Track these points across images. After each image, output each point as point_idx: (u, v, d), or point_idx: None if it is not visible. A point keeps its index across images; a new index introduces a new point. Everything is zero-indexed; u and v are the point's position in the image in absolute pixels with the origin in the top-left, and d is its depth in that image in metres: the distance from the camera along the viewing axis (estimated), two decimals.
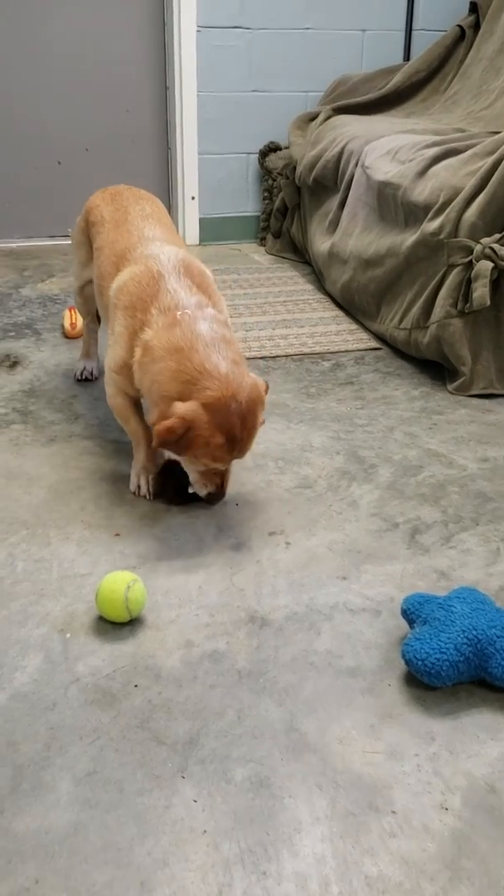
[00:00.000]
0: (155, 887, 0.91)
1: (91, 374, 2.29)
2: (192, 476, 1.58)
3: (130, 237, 1.78)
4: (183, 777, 1.05)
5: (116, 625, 1.32)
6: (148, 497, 1.70)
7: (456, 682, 1.21)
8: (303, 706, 1.18)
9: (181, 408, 1.46)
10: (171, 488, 1.69)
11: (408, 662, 1.21)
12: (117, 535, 1.57)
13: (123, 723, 1.13)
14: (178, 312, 1.55)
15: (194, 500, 1.67)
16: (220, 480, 1.59)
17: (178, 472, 1.62)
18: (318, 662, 1.26)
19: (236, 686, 1.21)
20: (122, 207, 1.93)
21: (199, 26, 3.60)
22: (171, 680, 1.21)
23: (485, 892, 0.92)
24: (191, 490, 1.62)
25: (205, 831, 0.98)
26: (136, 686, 1.19)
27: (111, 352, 1.65)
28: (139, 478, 1.72)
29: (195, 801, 1.02)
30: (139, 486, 1.71)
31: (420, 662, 1.19)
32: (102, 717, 1.14)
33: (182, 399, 1.47)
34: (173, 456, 1.58)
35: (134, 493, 1.71)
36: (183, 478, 1.61)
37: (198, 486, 1.59)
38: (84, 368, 2.29)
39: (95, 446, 1.92)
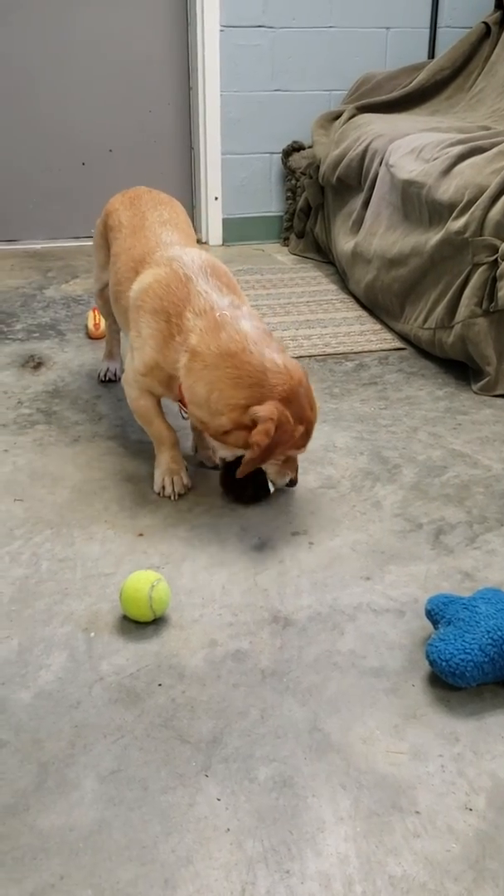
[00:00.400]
0: (179, 885, 0.92)
1: (115, 374, 2.30)
2: (271, 469, 1.62)
3: (148, 243, 1.78)
4: (206, 776, 1.05)
5: (140, 624, 1.32)
6: (173, 498, 1.70)
7: (480, 682, 1.21)
8: (326, 706, 1.18)
9: (264, 411, 1.48)
10: (239, 488, 1.67)
11: (432, 663, 1.20)
12: (141, 535, 1.58)
13: (147, 721, 1.14)
14: (217, 314, 1.56)
15: (261, 498, 1.69)
16: (295, 465, 1.66)
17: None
18: (342, 663, 1.26)
19: (259, 686, 1.21)
20: (139, 213, 1.92)
21: (222, 26, 3.60)
22: (195, 679, 1.22)
23: None
24: (271, 484, 1.67)
25: (228, 829, 0.98)
26: (159, 685, 1.20)
27: (137, 354, 1.65)
28: (164, 479, 1.72)
29: (219, 800, 1.02)
30: (164, 487, 1.72)
31: (444, 663, 1.18)
32: (126, 715, 1.14)
33: (253, 403, 1.49)
34: (225, 453, 1.61)
35: (158, 495, 1.72)
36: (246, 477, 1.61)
37: (277, 478, 1.65)
38: (108, 369, 2.30)
39: (118, 446, 1.93)
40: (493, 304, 2.21)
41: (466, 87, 3.73)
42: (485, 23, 3.76)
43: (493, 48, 3.71)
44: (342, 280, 3.25)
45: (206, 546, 1.55)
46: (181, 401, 1.64)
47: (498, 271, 2.18)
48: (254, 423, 1.49)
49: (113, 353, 2.32)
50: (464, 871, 0.95)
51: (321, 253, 3.67)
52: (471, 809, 1.02)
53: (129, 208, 1.95)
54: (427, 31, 3.93)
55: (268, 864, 0.95)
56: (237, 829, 0.98)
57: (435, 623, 1.28)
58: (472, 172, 2.35)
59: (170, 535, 1.58)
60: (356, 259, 2.98)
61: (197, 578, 1.45)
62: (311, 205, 3.62)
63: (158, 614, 1.32)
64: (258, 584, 1.44)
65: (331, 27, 3.77)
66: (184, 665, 1.24)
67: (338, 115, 3.68)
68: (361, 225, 3.03)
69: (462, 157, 2.45)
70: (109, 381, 2.30)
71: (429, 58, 3.91)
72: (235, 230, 3.94)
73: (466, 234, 2.28)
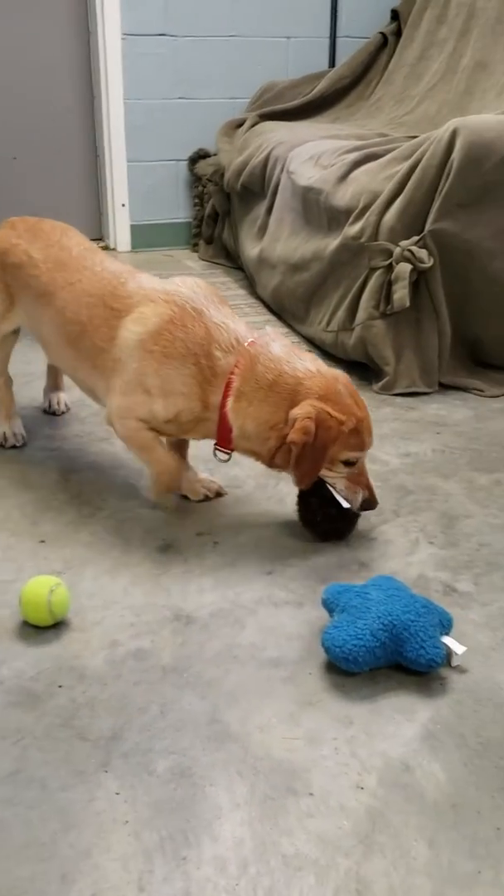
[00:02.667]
0: (77, 879, 0.93)
1: (21, 438, 1.97)
2: (341, 487, 1.56)
3: (100, 274, 1.65)
4: (106, 771, 1.07)
5: (41, 629, 1.33)
6: (210, 496, 1.74)
7: (373, 667, 1.26)
8: (225, 698, 1.21)
9: (299, 410, 1.47)
10: (318, 517, 1.60)
11: (326, 650, 1.25)
12: (42, 541, 1.58)
13: (47, 722, 1.15)
14: (245, 345, 1.53)
15: (343, 532, 1.62)
16: (366, 481, 1.59)
17: (315, 503, 1.59)
18: (242, 655, 1.30)
19: (160, 682, 1.23)
20: (53, 243, 1.77)
21: (123, 34, 3.62)
22: (96, 679, 1.23)
23: (396, 863, 0.97)
24: (344, 504, 1.57)
25: (127, 822, 1.01)
26: (60, 686, 1.21)
27: (160, 402, 1.54)
28: (159, 490, 1.67)
29: (117, 794, 1.04)
30: (209, 488, 1.74)
31: (338, 649, 1.23)
32: (25, 717, 1.15)
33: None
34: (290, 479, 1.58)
35: (206, 499, 1.73)
36: (320, 508, 1.58)
37: (350, 496, 1.57)
38: (12, 434, 1.96)
39: (19, 454, 1.93)
40: (389, 307, 2.28)
41: (366, 95, 3.83)
42: (382, 33, 3.88)
43: (391, 58, 3.83)
44: (251, 285, 3.30)
45: (109, 550, 1.57)
46: (217, 441, 1.58)
47: (393, 275, 2.26)
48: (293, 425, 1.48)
49: (10, 412, 1.98)
50: (354, 846, 0.99)
51: (230, 258, 3.71)
52: (362, 788, 1.07)
53: (35, 240, 1.79)
54: (327, 41, 4.03)
55: (165, 853, 0.97)
56: (135, 821, 1.01)
57: (330, 612, 1.33)
58: (366, 179, 2.43)
59: (72, 540, 1.59)
60: (262, 264, 3.03)
61: (99, 582, 1.47)
62: (218, 211, 3.67)
63: (59, 618, 1.33)
64: (161, 585, 1.47)
65: (233, 36, 3.83)
66: (84, 666, 1.26)
67: (241, 123, 3.74)
68: (266, 231, 3.09)
69: (357, 164, 2.53)
70: (14, 448, 1.96)
71: (329, 67, 4.01)
72: (144, 236, 3.96)
73: (363, 239, 2.35)
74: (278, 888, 0.93)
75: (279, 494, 1.78)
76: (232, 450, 1.58)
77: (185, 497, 1.75)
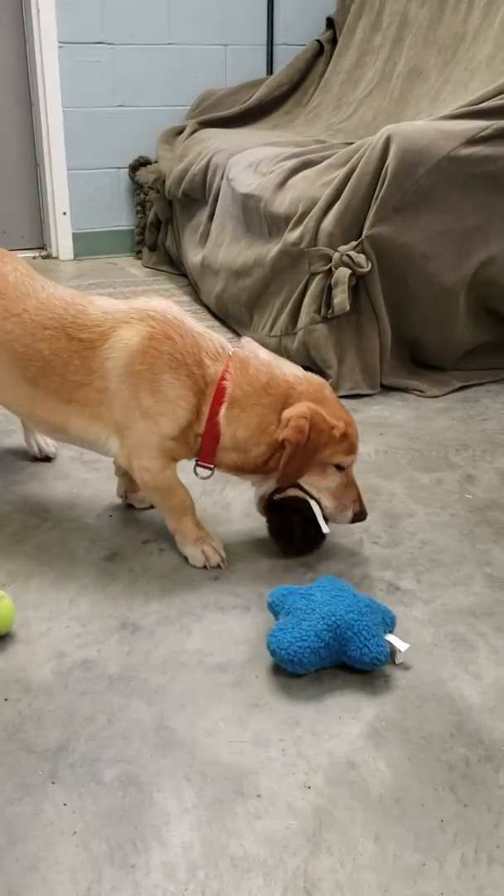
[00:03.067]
0: (23, 893, 0.93)
1: None
2: (329, 499, 1.54)
3: (52, 301, 1.55)
4: (53, 783, 1.07)
5: None
6: (223, 565, 1.55)
7: (319, 667, 1.27)
8: (173, 704, 1.21)
9: (293, 410, 1.46)
10: (286, 533, 1.56)
11: (272, 653, 1.26)
12: None
13: None
14: (230, 352, 1.52)
15: (316, 544, 1.59)
16: (356, 493, 1.56)
17: (294, 519, 1.55)
18: (189, 661, 1.30)
19: (107, 691, 1.23)
20: None
21: (60, 42, 3.61)
22: (42, 690, 1.23)
23: (343, 860, 0.98)
24: (324, 525, 1.54)
25: (75, 833, 1.00)
26: (5, 700, 1.21)
27: (163, 420, 1.47)
28: (201, 547, 1.57)
29: (65, 805, 1.04)
30: (207, 559, 1.56)
31: (283, 651, 1.24)
32: None
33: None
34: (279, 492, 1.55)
35: (205, 567, 1.55)
36: (300, 525, 1.55)
37: (338, 512, 1.55)
38: None
39: None
40: (330, 311, 2.31)
41: (304, 101, 3.88)
42: (318, 41, 3.93)
43: (327, 65, 3.88)
44: (194, 291, 3.31)
45: (55, 561, 1.56)
46: (200, 456, 1.53)
47: (333, 279, 2.29)
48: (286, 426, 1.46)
49: None
50: (302, 844, 1.00)
51: (174, 265, 3.72)
52: (309, 787, 1.08)
53: None
54: (264, 49, 4.06)
55: (113, 862, 0.97)
56: (83, 831, 1.01)
57: (276, 615, 1.34)
58: (304, 185, 2.46)
59: (16, 552, 1.58)
60: (205, 271, 3.05)
61: (45, 593, 1.46)
62: (161, 218, 3.67)
63: (3, 631, 1.32)
64: (107, 594, 1.47)
65: (170, 44, 3.84)
66: (30, 678, 1.25)
67: (181, 131, 3.75)
68: (208, 237, 3.10)
69: (295, 171, 2.56)
70: None
71: (267, 74, 4.04)
72: (86, 244, 3.94)
73: (302, 245, 2.38)
74: (227, 891, 0.94)
75: (224, 500, 1.80)
76: (214, 465, 1.54)
77: (131, 506, 1.75)
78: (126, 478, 1.71)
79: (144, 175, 3.79)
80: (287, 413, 1.46)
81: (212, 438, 1.50)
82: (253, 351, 1.54)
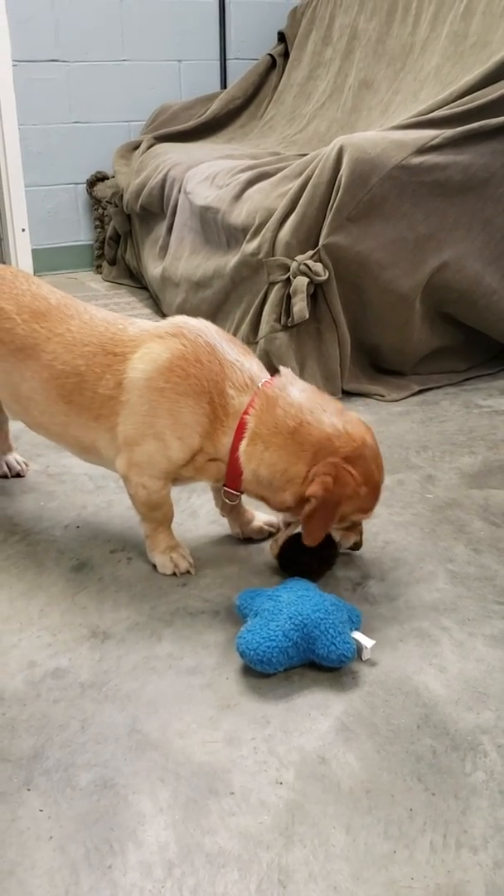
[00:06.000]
0: None
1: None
2: (335, 533, 1.53)
3: (94, 321, 1.55)
4: (28, 789, 1.08)
5: None
6: (192, 571, 1.57)
7: (288, 666, 1.30)
8: (145, 708, 1.23)
9: (324, 467, 1.39)
10: (296, 564, 1.54)
11: (241, 654, 1.29)
12: None
13: None
14: (260, 386, 1.46)
15: (322, 573, 1.56)
16: (360, 527, 1.56)
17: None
18: (159, 666, 1.32)
19: (79, 698, 1.25)
20: (24, 291, 1.62)
21: (14, 60, 3.62)
22: (15, 700, 1.24)
23: (316, 851, 1.01)
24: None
25: (51, 837, 1.02)
26: None
27: (176, 444, 1.45)
28: (170, 554, 1.58)
29: (41, 810, 1.05)
30: (177, 564, 1.57)
31: (252, 652, 1.27)
32: None
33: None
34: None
35: (174, 574, 1.57)
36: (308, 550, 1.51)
37: (343, 540, 1.56)
38: None
39: None
40: (290, 319, 2.35)
41: (258, 115, 3.93)
42: (270, 55, 3.99)
43: (280, 78, 3.94)
44: (156, 304, 3.34)
45: (23, 573, 1.57)
46: (226, 482, 1.50)
47: (291, 288, 2.33)
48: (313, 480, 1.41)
49: None
50: (275, 838, 1.03)
51: (134, 279, 3.74)
52: (281, 783, 1.11)
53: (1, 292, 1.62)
54: (218, 63, 4.11)
55: (90, 864, 0.99)
56: (60, 836, 1.02)
57: (244, 617, 1.37)
58: (260, 197, 2.50)
59: None
60: (166, 283, 3.07)
61: (14, 605, 1.47)
62: (119, 232, 3.69)
63: None
64: (77, 604, 1.48)
65: (124, 60, 3.87)
66: (3, 688, 1.26)
67: (137, 146, 3.78)
68: (167, 250, 3.13)
69: (251, 183, 2.60)
70: None
71: (221, 88, 4.09)
72: (46, 260, 3.95)
73: (260, 255, 2.42)
74: (203, 886, 0.96)
75: (192, 507, 1.82)
76: (241, 491, 1.52)
77: (250, 539, 1.71)
78: (232, 514, 1.70)
79: (102, 190, 3.82)
80: (314, 471, 1.40)
81: (234, 470, 1.46)
82: (284, 388, 1.46)
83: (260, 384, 1.47)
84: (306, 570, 1.52)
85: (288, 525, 1.58)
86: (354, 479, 1.41)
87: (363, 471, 1.43)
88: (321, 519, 1.41)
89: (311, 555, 1.51)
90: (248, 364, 1.49)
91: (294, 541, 1.54)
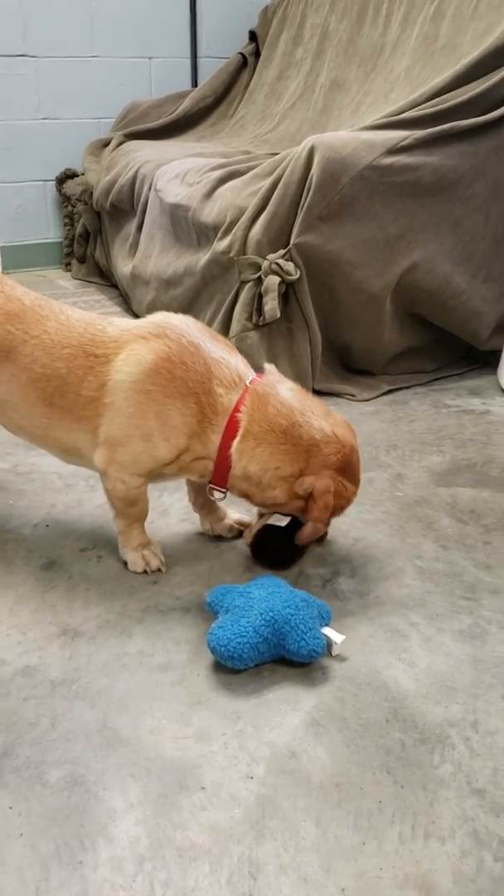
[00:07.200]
0: None
1: None
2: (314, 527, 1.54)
3: (72, 322, 1.53)
4: None
5: None
6: (163, 569, 1.58)
7: (258, 662, 1.31)
8: (115, 705, 1.23)
9: (321, 485, 1.43)
10: (268, 552, 1.59)
11: (212, 650, 1.29)
12: None
13: None
14: (248, 383, 1.47)
15: (294, 561, 1.60)
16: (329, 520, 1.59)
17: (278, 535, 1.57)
18: (130, 663, 1.32)
19: (49, 696, 1.24)
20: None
21: None
22: None
23: (286, 844, 1.01)
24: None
25: (21, 834, 1.01)
26: None
27: (162, 444, 1.45)
28: (142, 552, 1.58)
29: (11, 808, 1.05)
30: (148, 562, 1.57)
31: (223, 648, 1.27)
32: None
33: (306, 473, 1.45)
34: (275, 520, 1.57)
35: (145, 572, 1.57)
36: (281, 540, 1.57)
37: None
38: None
39: None
40: (261, 318, 2.36)
41: (229, 114, 3.93)
42: (241, 54, 3.99)
43: (251, 77, 3.94)
44: (126, 302, 3.33)
45: None
46: (213, 480, 1.51)
47: (262, 287, 2.33)
48: (308, 495, 1.45)
49: None
50: (246, 832, 1.03)
51: (104, 277, 3.72)
52: (251, 777, 1.11)
53: None
54: (188, 61, 4.11)
55: (61, 860, 0.99)
56: (30, 833, 1.02)
57: (215, 613, 1.37)
58: (231, 195, 2.50)
59: None
60: (136, 281, 3.07)
61: None
62: (89, 230, 3.68)
63: None
64: (47, 602, 1.48)
65: (94, 56, 3.85)
66: None
67: (107, 143, 3.76)
68: (137, 248, 3.12)
69: (222, 181, 2.61)
70: None
71: (192, 86, 4.09)
72: (14, 258, 3.92)
73: (231, 254, 2.42)
74: (174, 880, 0.97)
75: (163, 505, 1.82)
76: (227, 488, 1.52)
77: (220, 536, 1.72)
78: (205, 510, 1.70)
79: (71, 187, 3.79)
80: (311, 483, 1.44)
81: (223, 466, 1.48)
82: (273, 386, 1.48)
83: (248, 381, 1.48)
84: (279, 559, 1.57)
85: (262, 515, 1.60)
86: (347, 489, 1.48)
87: (352, 476, 1.50)
88: (322, 531, 1.50)
89: (284, 544, 1.55)
90: (234, 361, 1.49)
91: (267, 531, 1.57)
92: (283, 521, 1.59)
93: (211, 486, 1.52)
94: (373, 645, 1.37)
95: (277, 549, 1.57)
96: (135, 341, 1.47)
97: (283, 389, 1.48)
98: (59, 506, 1.81)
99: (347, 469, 1.48)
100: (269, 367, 1.53)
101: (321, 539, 1.59)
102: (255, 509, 1.60)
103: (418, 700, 1.25)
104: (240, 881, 0.97)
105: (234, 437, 1.45)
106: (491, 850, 1.01)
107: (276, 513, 1.55)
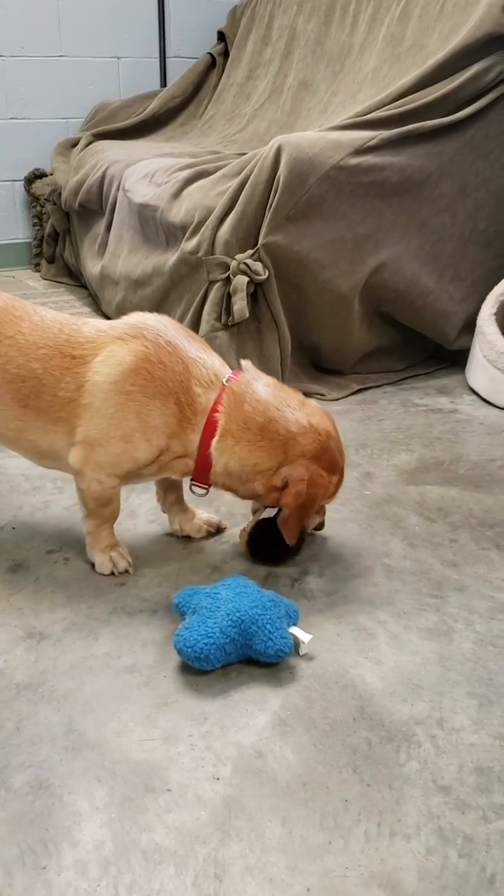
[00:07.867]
0: None
1: None
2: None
3: (46, 322, 1.52)
4: None
5: None
6: (131, 571, 1.57)
7: (225, 663, 1.30)
8: (81, 708, 1.22)
9: (295, 473, 1.45)
10: (264, 549, 1.60)
11: (179, 651, 1.28)
12: None
13: None
14: (224, 381, 1.47)
15: (288, 558, 1.61)
16: (324, 509, 1.61)
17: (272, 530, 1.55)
18: (96, 666, 1.31)
19: (14, 699, 1.23)
20: None
21: None
22: None
23: (252, 844, 1.01)
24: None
25: None
26: None
27: (144, 445, 1.46)
28: (109, 553, 1.57)
29: None
30: (116, 563, 1.56)
31: (189, 650, 1.27)
32: None
33: (284, 464, 1.46)
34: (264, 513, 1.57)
35: (113, 574, 1.56)
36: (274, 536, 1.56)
37: (309, 523, 1.60)
38: None
39: None
40: (230, 318, 2.35)
41: (198, 114, 3.93)
42: (210, 54, 3.99)
43: (220, 78, 3.94)
44: (95, 302, 3.31)
45: None
46: (194, 477, 1.52)
47: (231, 287, 2.33)
48: (285, 485, 1.46)
49: None
50: (211, 833, 1.03)
51: (73, 277, 3.71)
52: (218, 779, 1.11)
53: None
54: (157, 61, 4.10)
55: (24, 864, 0.98)
56: None
57: (182, 615, 1.36)
58: (199, 195, 2.50)
59: None
60: (105, 281, 3.05)
61: None
62: (58, 230, 3.66)
63: None
64: (12, 605, 1.46)
65: (62, 56, 3.84)
66: None
67: (76, 143, 3.74)
68: (106, 248, 3.11)
69: (190, 181, 2.60)
70: None
71: (161, 86, 4.08)
72: None
73: (200, 254, 2.41)
74: (139, 882, 0.96)
75: (131, 507, 1.81)
76: (209, 485, 1.53)
77: (189, 537, 1.71)
78: (174, 510, 1.70)
79: (40, 187, 3.77)
80: (286, 472, 1.46)
81: (204, 464, 1.48)
82: (249, 384, 1.49)
83: (224, 380, 1.49)
84: (276, 556, 1.59)
85: (255, 512, 1.61)
86: (323, 477, 1.49)
87: (330, 463, 1.51)
88: (298, 520, 1.50)
89: (280, 540, 1.54)
90: (211, 360, 1.50)
91: (261, 528, 1.59)
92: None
93: (192, 483, 1.53)
94: (340, 644, 1.38)
95: (273, 543, 1.57)
96: (112, 342, 1.46)
97: (259, 386, 1.49)
98: (26, 508, 1.79)
99: (325, 455, 1.49)
100: (245, 364, 1.55)
101: (318, 527, 1.64)
102: (224, 510, 1.60)
103: (385, 698, 1.26)
104: (205, 883, 0.96)
105: (213, 436, 1.46)
106: (456, 846, 1.02)
107: (266, 506, 1.56)
